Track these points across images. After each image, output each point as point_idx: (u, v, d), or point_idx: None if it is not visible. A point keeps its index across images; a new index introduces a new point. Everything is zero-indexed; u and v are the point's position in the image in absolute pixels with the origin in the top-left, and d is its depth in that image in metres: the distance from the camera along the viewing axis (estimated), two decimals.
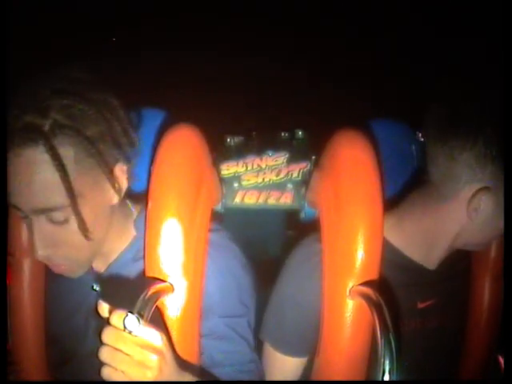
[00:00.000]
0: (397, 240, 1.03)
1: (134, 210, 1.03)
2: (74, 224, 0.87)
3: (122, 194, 0.94)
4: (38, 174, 0.82)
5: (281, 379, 1.09)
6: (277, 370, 1.08)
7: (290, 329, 1.05)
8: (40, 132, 0.81)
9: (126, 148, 0.92)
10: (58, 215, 0.85)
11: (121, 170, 0.92)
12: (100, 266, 1.02)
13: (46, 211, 0.85)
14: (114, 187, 0.90)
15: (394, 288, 0.95)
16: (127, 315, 0.68)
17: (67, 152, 0.83)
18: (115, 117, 0.89)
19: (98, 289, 1.01)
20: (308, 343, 1.02)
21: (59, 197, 0.83)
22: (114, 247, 1.00)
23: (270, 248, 1.42)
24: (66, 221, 0.86)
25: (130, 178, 0.94)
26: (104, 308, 0.73)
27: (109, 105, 0.88)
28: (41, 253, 0.88)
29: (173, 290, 0.87)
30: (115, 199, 0.93)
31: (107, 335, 0.69)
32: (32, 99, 0.83)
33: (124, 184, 0.93)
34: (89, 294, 1.01)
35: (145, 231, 0.91)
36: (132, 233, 1.01)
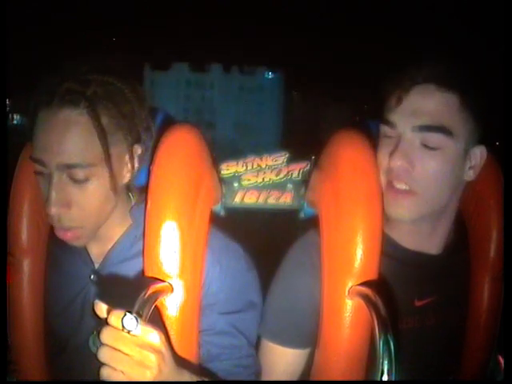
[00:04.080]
0: (394, 232, 1.03)
1: (133, 200, 1.05)
2: (91, 185, 0.92)
3: (133, 174, 0.99)
4: (71, 132, 0.90)
5: (284, 374, 1.08)
6: (278, 364, 1.08)
7: (290, 320, 1.05)
8: (82, 96, 0.90)
9: (144, 135, 0.98)
10: (81, 173, 0.91)
11: (137, 151, 0.98)
12: (99, 254, 1.03)
13: (70, 167, 0.90)
14: (127, 164, 0.97)
15: (393, 286, 0.95)
16: (125, 315, 0.68)
17: (101, 121, 0.90)
18: (141, 104, 0.97)
19: (94, 278, 1.02)
20: (308, 334, 1.02)
21: (86, 155, 0.90)
22: (112, 233, 1.02)
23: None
24: (85, 180, 0.91)
25: (141, 161, 0.99)
26: (102, 308, 0.73)
27: (139, 92, 0.97)
28: (53, 210, 0.91)
29: (172, 289, 0.88)
30: (126, 178, 0.99)
31: (106, 335, 0.70)
32: (74, 72, 0.93)
33: (136, 165, 0.99)
34: (85, 285, 1.03)
35: (144, 224, 0.92)
36: (129, 221, 1.03)
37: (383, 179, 0.97)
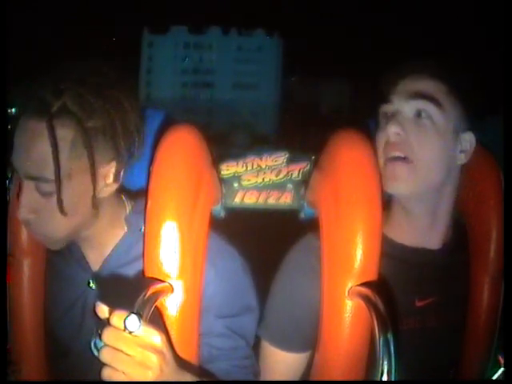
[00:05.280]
0: (392, 231, 1.04)
1: (128, 204, 1.05)
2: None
3: (109, 192, 0.97)
4: (36, 145, 0.89)
5: (284, 377, 1.08)
6: (279, 367, 1.08)
7: (290, 325, 1.05)
8: (47, 110, 0.88)
9: (123, 151, 0.95)
10: (46, 186, 0.90)
11: (111, 170, 0.95)
12: (95, 260, 1.03)
13: (35, 179, 0.90)
14: (95, 183, 0.93)
15: (393, 287, 0.96)
16: (129, 315, 0.68)
17: (67, 134, 0.89)
18: (121, 118, 0.93)
19: (94, 286, 1.02)
20: (308, 338, 1.02)
21: (50, 170, 0.88)
22: (107, 240, 1.02)
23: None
24: (51, 194, 0.90)
25: (118, 179, 0.97)
26: (103, 309, 0.73)
27: (119, 105, 0.93)
28: (22, 215, 0.92)
29: (172, 290, 0.88)
30: (104, 193, 0.96)
31: (107, 335, 0.70)
32: (53, 79, 0.91)
33: (111, 184, 0.96)
34: (84, 291, 1.03)
35: (143, 229, 0.92)
36: (124, 226, 1.03)
37: (382, 157, 1.02)
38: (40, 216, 0.93)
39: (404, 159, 0.99)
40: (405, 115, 1.01)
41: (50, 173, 0.89)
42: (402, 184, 1.00)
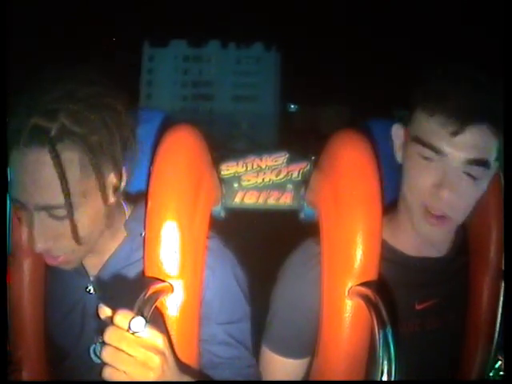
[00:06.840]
0: (392, 239, 1.03)
1: (128, 209, 1.03)
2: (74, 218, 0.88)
3: (112, 199, 0.95)
4: (43, 173, 0.85)
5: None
6: (278, 373, 1.08)
7: (290, 332, 1.05)
8: (47, 136, 0.83)
9: (122, 159, 0.93)
10: (61, 211, 0.87)
11: (113, 180, 0.93)
12: (94, 266, 1.03)
13: (48, 208, 0.87)
14: (103, 194, 0.91)
15: (393, 289, 0.96)
16: (135, 317, 0.68)
17: (73, 155, 0.86)
18: (117, 126, 0.90)
19: (92, 291, 1.02)
20: (308, 345, 1.02)
21: (62, 196, 0.85)
22: (107, 247, 1.01)
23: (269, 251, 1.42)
24: (66, 216, 0.88)
25: (119, 187, 0.95)
26: (105, 310, 0.73)
27: (113, 112, 0.90)
28: (40, 246, 0.89)
29: (172, 289, 0.88)
30: (109, 201, 0.94)
31: (110, 335, 0.70)
32: (40, 99, 0.85)
33: (112, 193, 0.94)
34: (83, 296, 1.02)
35: (139, 231, 0.93)
36: (123, 233, 1.02)
37: (417, 200, 0.96)
38: (59, 240, 0.90)
39: (444, 217, 0.96)
40: (457, 175, 0.93)
41: (62, 198, 0.86)
42: (436, 237, 1.00)
